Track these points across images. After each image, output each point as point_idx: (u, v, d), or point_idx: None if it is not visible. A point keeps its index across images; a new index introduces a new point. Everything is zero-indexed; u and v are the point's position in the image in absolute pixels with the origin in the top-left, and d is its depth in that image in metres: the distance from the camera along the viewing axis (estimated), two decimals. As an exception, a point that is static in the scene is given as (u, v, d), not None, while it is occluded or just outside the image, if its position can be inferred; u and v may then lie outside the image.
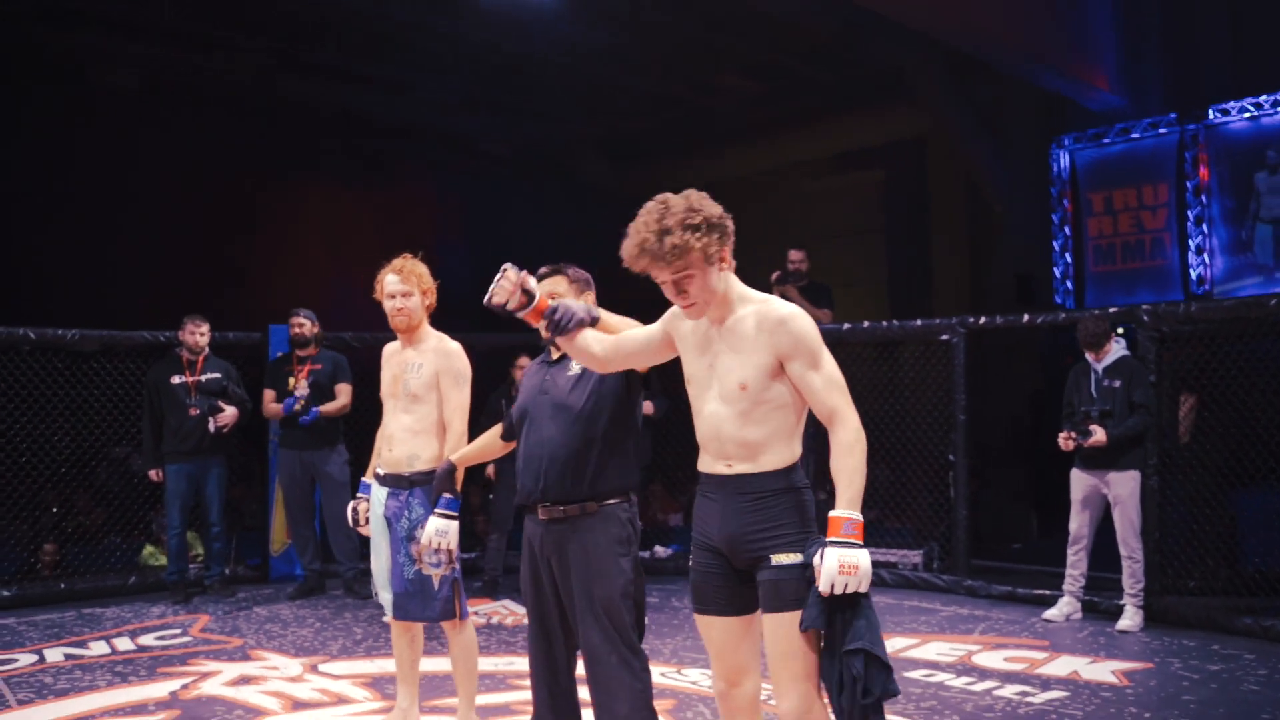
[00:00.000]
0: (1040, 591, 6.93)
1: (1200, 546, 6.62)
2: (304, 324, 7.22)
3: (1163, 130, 10.03)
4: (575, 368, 3.38)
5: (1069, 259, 10.63)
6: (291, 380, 7.23)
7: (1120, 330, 6.86)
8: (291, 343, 7.30)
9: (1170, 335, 6.57)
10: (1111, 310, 6.81)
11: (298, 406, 7.09)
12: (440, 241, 14.87)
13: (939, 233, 12.98)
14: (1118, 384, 6.21)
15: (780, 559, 2.74)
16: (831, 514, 2.65)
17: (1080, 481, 6.38)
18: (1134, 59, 10.15)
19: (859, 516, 2.64)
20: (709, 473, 2.89)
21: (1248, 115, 9.59)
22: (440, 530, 3.73)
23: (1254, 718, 4.63)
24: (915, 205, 13.26)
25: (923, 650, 5.81)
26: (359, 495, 4.29)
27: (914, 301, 12.97)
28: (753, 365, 2.78)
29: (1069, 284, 10.66)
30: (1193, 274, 9.86)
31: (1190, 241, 9.87)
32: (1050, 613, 6.56)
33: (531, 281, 3.04)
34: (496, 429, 3.74)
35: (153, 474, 7.12)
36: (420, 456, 4.09)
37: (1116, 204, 10.32)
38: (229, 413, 7.15)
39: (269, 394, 7.33)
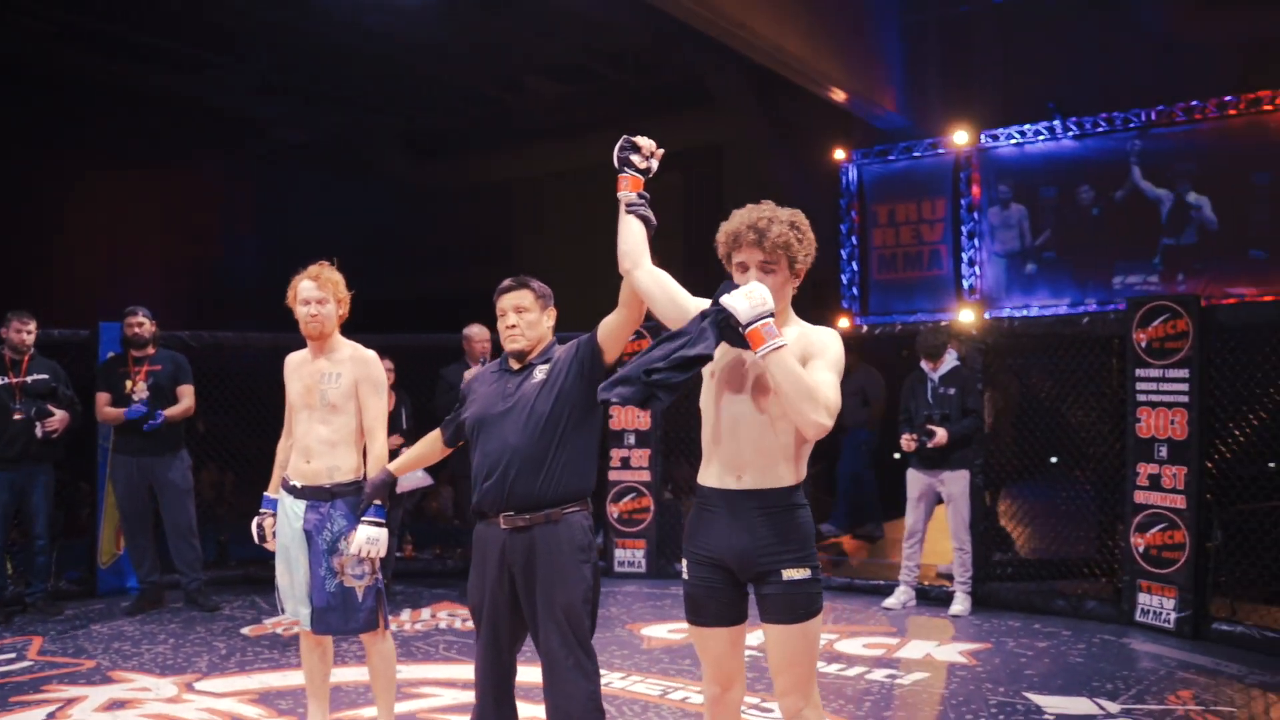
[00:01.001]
0: (875, 581, 7.50)
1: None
2: (143, 323, 6.75)
3: (941, 150, 10.75)
4: (540, 375, 3.43)
5: (855, 267, 11.23)
6: (129, 382, 6.77)
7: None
8: (127, 343, 6.80)
9: (993, 347, 7.22)
10: (943, 324, 7.35)
11: (143, 412, 6.64)
12: (227, 229, 14.38)
13: (734, 239, 13.45)
14: (952, 391, 6.80)
15: (791, 574, 2.85)
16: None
17: (917, 480, 6.92)
18: (917, 83, 10.84)
19: (772, 340, 2.70)
20: (715, 487, 2.94)
21: (1014, 141, 10.40)
22: (372, 538, 3.75)
23: (1086, 683, 5.26)
24: (712, 211, 13.68)
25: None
26: (262, 510, 4.13)
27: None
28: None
29: (855, 290, 11.27)
30: (965, 284, 10.62)
31: (963, 254, 10.62)
32: (889, 601, 7.04)
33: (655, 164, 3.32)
34: (434, 435, 3.72)
35: None
36: (340, 468, 4.00)
37: (899, 217, 10.99)
38: (58, 416, 6.63)
39: (103, 397, 6.81)
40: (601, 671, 3.48)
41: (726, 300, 2.72)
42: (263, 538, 4.12)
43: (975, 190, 10.58)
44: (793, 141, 11.83)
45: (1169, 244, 9.74)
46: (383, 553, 3.81)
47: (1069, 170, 10.13)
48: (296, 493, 4.02)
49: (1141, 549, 6.40)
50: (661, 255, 12.26)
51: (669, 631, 6.29)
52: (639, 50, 11.46)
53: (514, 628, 3.43)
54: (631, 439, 8.03)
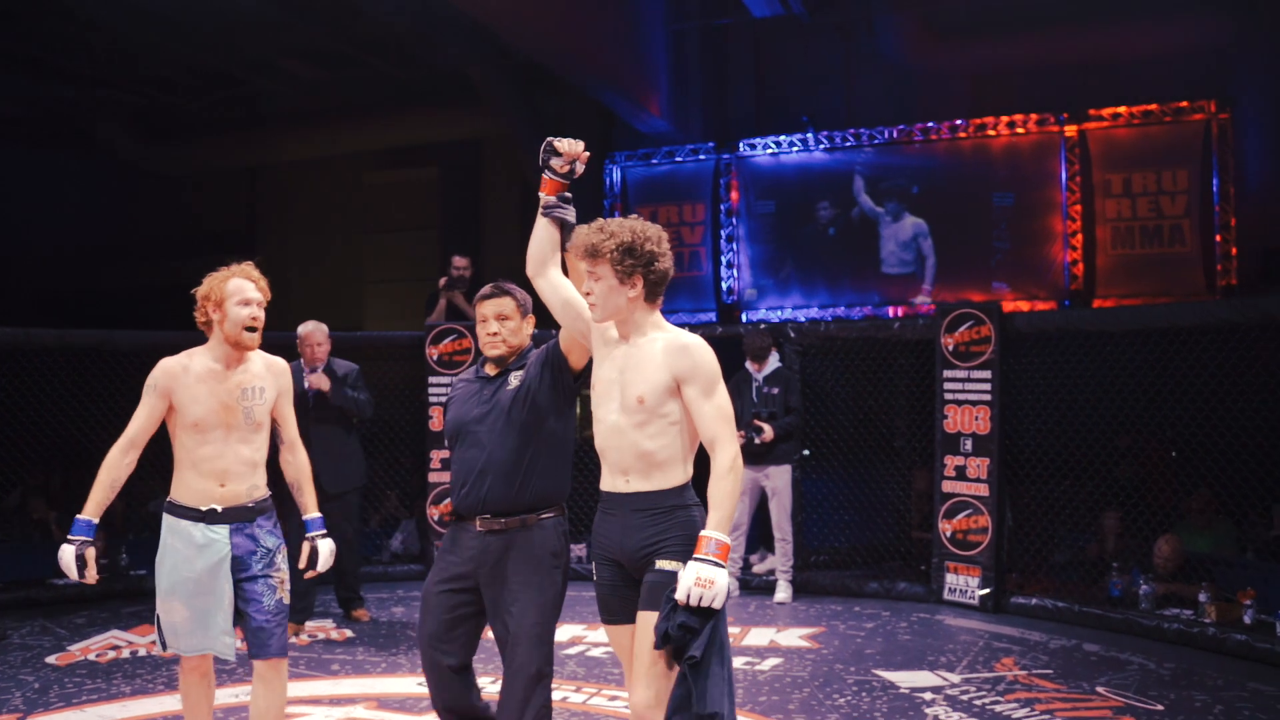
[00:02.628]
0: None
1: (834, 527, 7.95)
2: None
3: (702, 156, 11.15)
4: (514, 381, 3.44)
5: (619, 267, 11.44)
6: None
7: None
8: None
9: (809, 349, 7.61)
10: (763, 326, 7.68)
11: None
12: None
13: (492, 235, 13.42)
14: (776, 391, 7.10)
15: (663, 564, 2.99)
16: (701, 533, 2.89)
17: (743, 476, 7.09)
18: (680, 91, 11.18)
19: (725, 539, 2.88)
20: (609, 490, 3.13)
21: (770, 151, 10.94)
22: (332, 549, 3.82)
23: (923, 658, 5.79)
24: (469, 206, 13.61)
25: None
26: (82, 538, 3.53)
27: (467, 300, 13.29)
28: (652, 382, 3.02)
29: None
30: (724, 286, 11.05)
31: (722, 257, 11.05)
32: None
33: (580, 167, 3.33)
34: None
35: None
36: (258, 485, 3.67)
37: (661, 219, 11.29)
38: None
39: None
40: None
41: (683, 585, 2.83)
42: (83, 570, 3.52)
43: (734, 196, 11.04)
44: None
45: (892, 257, 10.55)
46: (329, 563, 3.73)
47: (819, 181, 10.75)
48: (214, 517, 3.59)
49: (949, 534, 7.01)
50: (417, 246, 12.20)
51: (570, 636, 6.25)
52: (403, 39, 11.19)
53: (470, 628, 3.50)
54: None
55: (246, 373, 3.70)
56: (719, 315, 10.95)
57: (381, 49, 11.56)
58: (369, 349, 8.32)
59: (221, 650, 3.63)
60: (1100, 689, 5.24)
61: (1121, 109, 9.73)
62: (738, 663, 5.62)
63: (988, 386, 6.92)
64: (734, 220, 11.07)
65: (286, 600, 3.69)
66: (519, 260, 11.67)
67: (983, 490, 6.92)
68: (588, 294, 3.09)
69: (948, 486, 7.06)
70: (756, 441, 7.02)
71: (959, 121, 10.29)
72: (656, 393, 3.01)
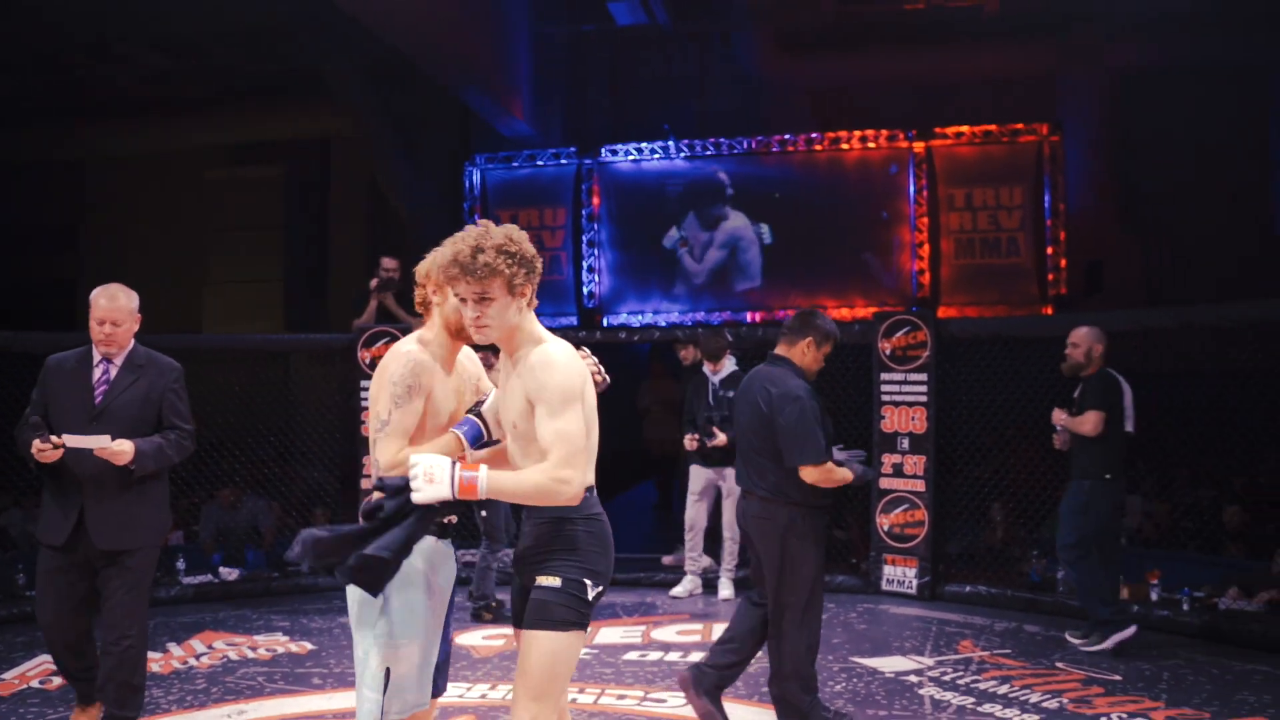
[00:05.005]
0: (660, 576, 7.79)
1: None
2: None
3: (564, 161, 11.22)
4: None
5: (480, 270, 11.39)
6: None
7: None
8: None
9: (749, 353, 7.64)
10: (706, 328, 7.78)
11: None
12: None
13: (339, 235, 13.14)
14: (732, 394, 7.05)
15: (542, 580, 2.89)
16: (483, 467, 2.74)
17: (700, 476, 7.24)
18: (542, 94, 11.24)
19: (482, 488, 2.71)
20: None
21: (631, 158, 11.11)
22: None
23: (888, 645, 6.03)
24: (317, 205, 13.29)
25: (605, 636, 6.27)
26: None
27: (310, 302, 12.99)
28: (517, 405, 2.89)
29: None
30: (585, 290, 11.16)
31: (584, 261, 11.16)
32: (676, 590, 7.35)
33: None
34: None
35: None
36: None
37: (520, 222, 11.21)
38: None
39: None
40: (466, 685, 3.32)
41: (417, 498, 2.71)
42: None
43: (595, 201, 11.16)
44: (411, 141, 11.77)
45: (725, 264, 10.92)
46: None
47: (680, 189, 11.00)
48: (448, 530, 3.20)
49: (886, 528, 7.31)
50: (261, 247, 11.88)
51: (484, 638, 6.20)
52: (255, 30, 10.83)
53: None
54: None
55: (461, 364, 3.25)
56: (580, 319, 11.05)
57: (231, 40, 11.16)
58: (291, 352, 8.28)
59: (425, 700, 3.11)
60: (1059, 664, 5.67)
61: (964, 128, 10.33)
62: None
63: (924, 388, 7.29)
64: (595, 225, 11.19)
65: None
66: (366, 259, 11.62)
67: (920, 486, 7.27)
68: (477, 318, 2.85)
69: (885, 483, 7.37)
70: (709, 445, 7.12)
71: (814, 135, 10.70)
72: (522, 416, 2.88)
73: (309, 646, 6.13)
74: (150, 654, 5.85)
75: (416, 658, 3.01)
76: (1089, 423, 5.79)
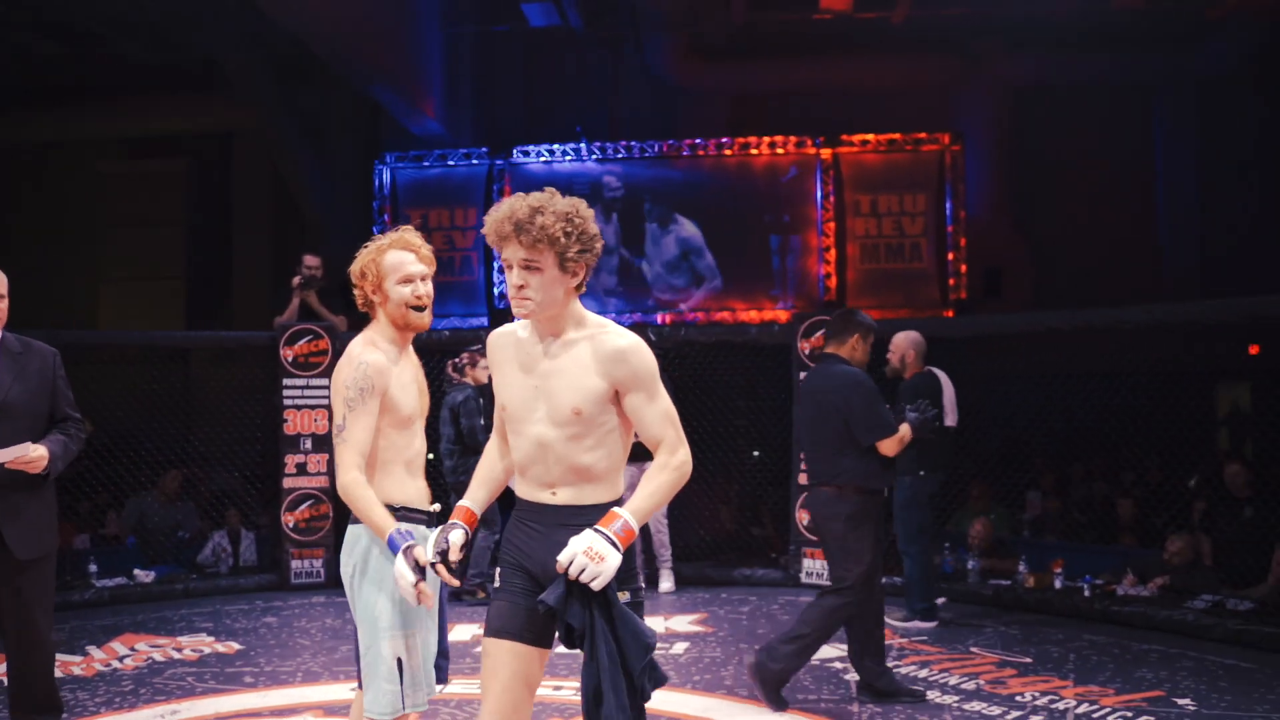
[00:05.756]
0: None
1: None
2: None
3: (475, 161, 11.19)
4: None
5: (392, 269, 11.26)
6: None
7: None
8: None
9: (670, 352, 7.84)
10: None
11: None
12: None
13: (243, 233, 12.87)
14: None
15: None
16: (615, 508, 2.62)
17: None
18: (453, 93, 11.18)
19: (635, 527, 2.59)
20: (531, 500, 2.76)
21: (543, 159, 11.13)
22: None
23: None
24: (219, 202, 12.99)
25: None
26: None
27: (212, 300, 12.69)
28: (587, 390, 2.66)
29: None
30: (495, 290, 11.13)
31: (495, 261, 11.12)
32: None
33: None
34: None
35: None
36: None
37: (431, 222, 11.24)
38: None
39: None
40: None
41: (602, 582, 2.50)
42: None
43: (508, 202, 11.13)
44: (318, 138, 11.60)
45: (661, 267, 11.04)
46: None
47: (591, 190, 11.05)
48: (437, 519, 3.10)
49: (805, 522, 7.40)
50: (162, 245, 11.64)
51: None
52: (154, 20, 10.53)
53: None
54: (309, 444, 7.62)
55: (411, 356, 3.23)
56: (490, 320, 11.01)
57: (130, 29, 10.83)
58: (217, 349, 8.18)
59: (424, 700, 3.08)
60: (974, 649, 5.88)
61: (870, 136, 10.62)
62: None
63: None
64: (507, 225, 11.17)
65: None
66: (270, 257, 11.49)
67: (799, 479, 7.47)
68: (520, 288, 2.63)
69: (804, 479, 7.50)
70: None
71: (724, 140, 10.86)
72: (595, 401, 2.67)
73: (236, 646, 6.01)
74: (69, 657, 5.69)
75: (424, 647, 3.06)
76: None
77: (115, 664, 5.64)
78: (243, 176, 12.88)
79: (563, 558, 2.51)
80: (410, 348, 3.23)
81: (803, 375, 7.62)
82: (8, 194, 13.12)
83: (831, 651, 5.80)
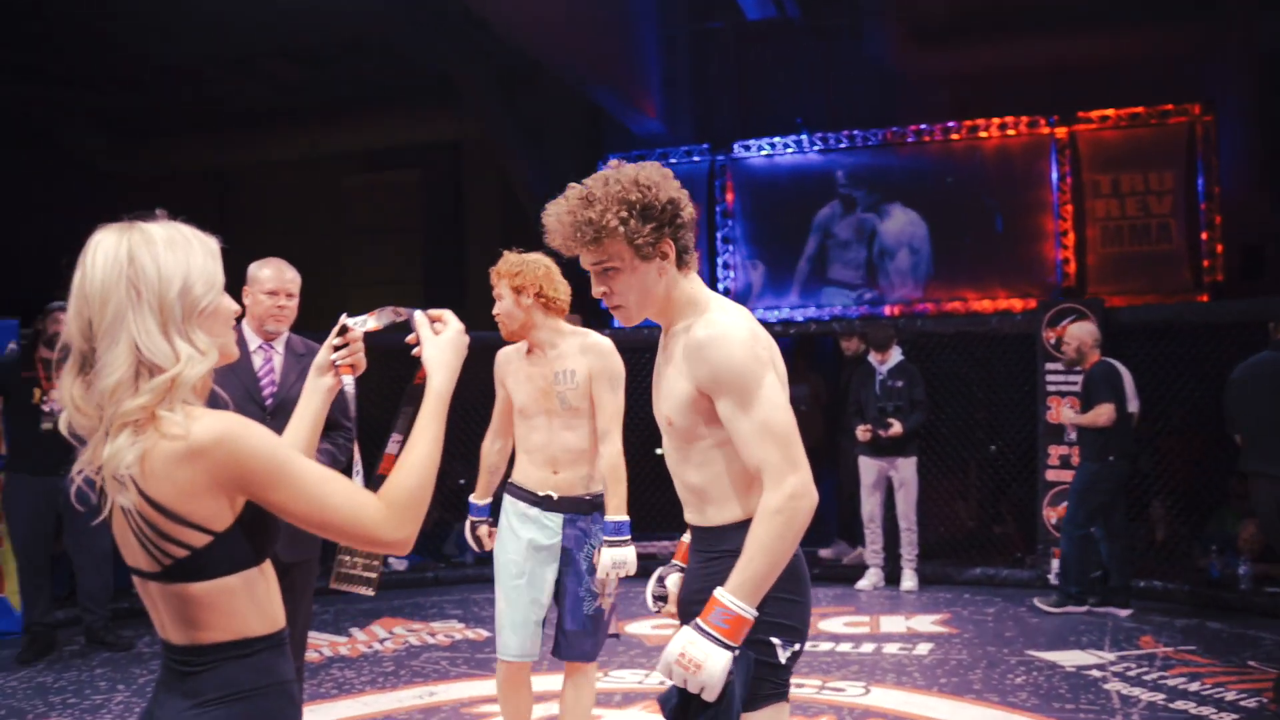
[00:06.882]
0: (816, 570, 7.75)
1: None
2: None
3: (696, 158, 11.20)
4: None
5: (614, 268, 11.44)
6: (37, 390, 5.74)
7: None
8: (46, 343, 5.74)
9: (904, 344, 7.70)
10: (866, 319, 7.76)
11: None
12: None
13: (475, 238, 13.34)
14: (900, 384, 7.19)
15: None
16: (715, 591, 2.11)
17: (870, 467, 7.32)
18: (671, 91, 11.24)
19: (743, 608, 2.06)
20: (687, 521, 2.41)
21: (764, 153, 11.05)
22: (618, 561, 3.49)
23: (1064, 639, 5.97)
24: (451, 208, 13.53)
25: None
26: (479, 518, 3.80)
27: (450, 303, 13.17)
28: (676, 396, 2.24)
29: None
30: (720, 287, 11.12)
31: (718, 258, 11.13)
32: (862, 583, 7.45)
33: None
34: None
35: None
36: (591, 476, 3.68)
37: (654, 221, 11.31)
38: None
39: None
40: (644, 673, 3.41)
41: (715, 693, 2.06)
42: (479, 543, 3.81)
43: (729, 197, 11.12)
44: (541, 142, 11.89)
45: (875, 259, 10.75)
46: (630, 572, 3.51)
47: (814, 183, 10.88)
48: (550, 504, 3.60)
49: (1054, 521, 7.17)
50: (401, 253, 12.10)
51: (653, 628, 6.28)
52: (386, 39, 11.06)
53: None
54: None
55: (559, 356, 3.63)
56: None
57: (363, 49, 11.42)
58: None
59: (529, 650, 3.59)
60: (1252, 663, 5.52)
61: (1109, 111, 10.02)
62: (892, 649, 5.78)
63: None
64: (730, 221, 11.16)
65: (606, 605, 3.57)
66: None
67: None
68: (611, 302, 2.26)
69: (1051, 475, 7.23)
70: (884, 436, 7.10)
71: (951, 123, 10.50)
72: (683, 410, 2.23)
73: (484, 634, 6.26)
74: (336, 638, 6.12)
75: (501, 604, 3.59)
76: (1103, 415, 6.25)
77: (376, 646, 5.99)
78: (472, 184, 13.36)
79: (660, 669, 2.12)
80: (568, 345, 3.67)
81: (1047, 366, 7.28)
82: (259, 210, 14.07)
83: (1088, 659, 5.52)
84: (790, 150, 10.95)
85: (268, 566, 1.74)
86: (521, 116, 11.76)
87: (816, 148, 10.87)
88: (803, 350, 10.00)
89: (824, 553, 8.19)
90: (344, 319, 2.10)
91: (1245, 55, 10.28)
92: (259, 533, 1.70)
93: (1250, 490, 5.14)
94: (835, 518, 8.48)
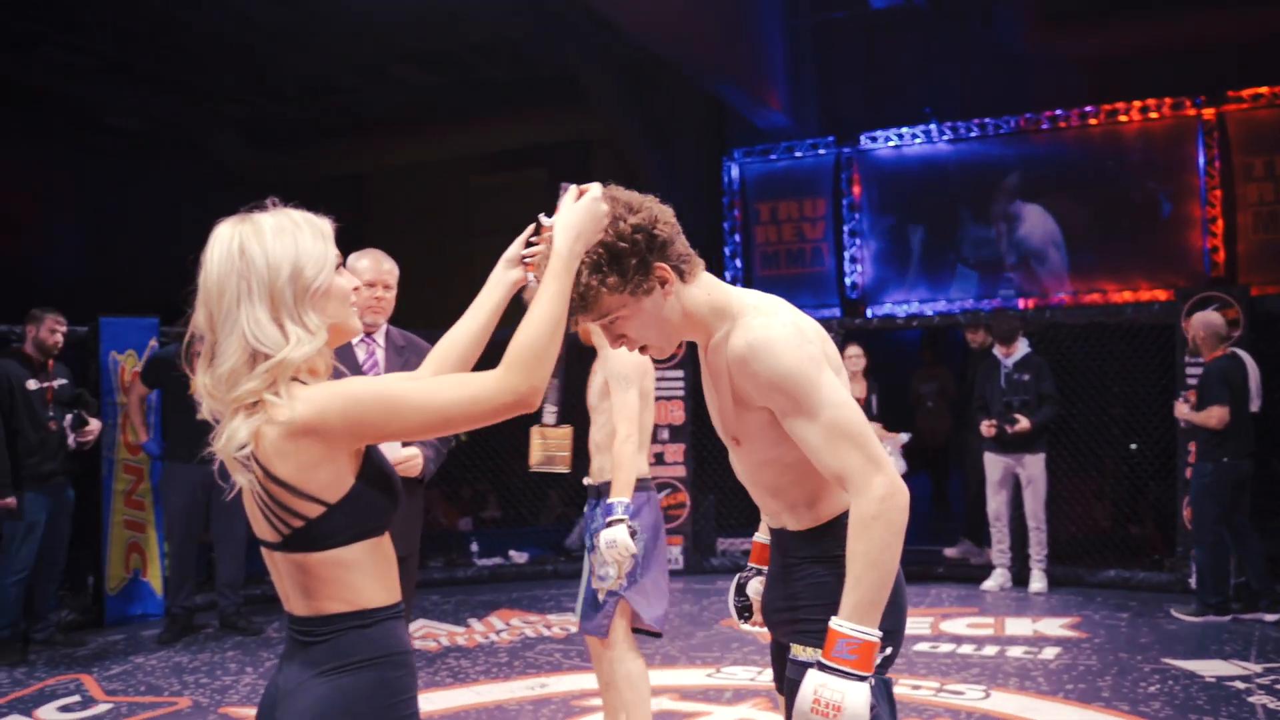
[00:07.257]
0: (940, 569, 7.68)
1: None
2: None
3: (822, 151, 11.07)
4: None
5: (739, 264, 11.41)
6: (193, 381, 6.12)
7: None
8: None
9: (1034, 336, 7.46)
10: (995, 312, 7.62)
11: None
12: (45, 220, 13.23)
13: (602, 236, 13.44)
14: (1027, 377, 6.99)
15: (798, 652, 2.06)
16: (830, 623, 1.91)
17: (996, 464, 7.11)
18: (796, 84, 11.12)
19: (866, 631, 1.89)
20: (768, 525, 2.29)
21: (891, 144, 10.83)
22: (609, 541, 3.54)
23: (1205, 647, 5.64)
24: (578, 207, 13.65)
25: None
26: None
27: (576, 301, 13.34)
28: (731, 416, 2.08)
29: (740, 287, 11.42)
30: (847, 281, 10.96)
31: (845, 252, 10.96)
32: (988, 584, 7.25)
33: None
34: None
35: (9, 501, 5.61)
36: (602, 466, 3.91)
37: (781, 214, 11.25)
38: (94, 425, 6.08)
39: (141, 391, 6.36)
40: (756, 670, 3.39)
41: (797, 712, 1.91)
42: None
43: (855, 190, 10.95)
44: (667, 139, 11.91)
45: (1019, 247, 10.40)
46: (630, 552, 3.55)
47: (943, 173, 10.62)
48: (591, 492, 3.95)
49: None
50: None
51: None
52: (511, 42, 11.25)
53: None
54: (665, 434, 7.92)
55: (601, 360, 3.87)
56: (842, 310, 10.86)
57: (490, 52, 11.63)
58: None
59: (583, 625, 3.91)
60: None
61: (1263, 90, 9.49)
62: (1016, 652, 5.61)
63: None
64: (856, 214, 10.98)
65: (598, 586, 3.71)
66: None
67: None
68: (632, 347, 2.11)
69: (1190, 473, 6.90)
70: (1010, 431, 6.90)
71: (1088, 108, 10.10)
72: (741, 429, 2.07)
73: (570, 628, 6.31)
74: (454, 628, 6.29)
75: (586, 583, 3.90)
76: (1214, 418, 5.99)
77: (493, 637, 6.10)
78: (600, 181, 13.44)
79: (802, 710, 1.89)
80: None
81: (1187, 358, 6.91)
82: (392, 212, 14.48)
83: (1231, 669, 5.24)
84: (919, 140, 10.71)
85: (385, 540, 1.79)
86: (646, 113, 11.81)
87: (946, 137, 10.61)
88: (930, 344, 9.78)
89: (949, 551, 7.97)
90: (541, 217, 2.09)
91: None
92: (374, 503, 1.75)
93: None
94: (962, 516, 8.25)
